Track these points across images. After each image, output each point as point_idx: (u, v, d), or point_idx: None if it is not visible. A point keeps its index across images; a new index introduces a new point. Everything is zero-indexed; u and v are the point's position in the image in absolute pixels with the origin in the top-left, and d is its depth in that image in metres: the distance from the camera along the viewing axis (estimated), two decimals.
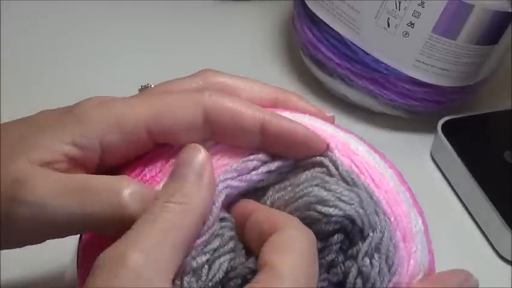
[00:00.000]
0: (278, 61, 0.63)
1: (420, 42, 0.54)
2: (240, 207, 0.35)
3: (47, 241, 0.35)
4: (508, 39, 0.56)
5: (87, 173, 0.35)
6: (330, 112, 0.39)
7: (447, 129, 0.57)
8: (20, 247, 0.35)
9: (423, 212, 0.37)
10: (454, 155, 0.55)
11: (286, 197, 0.35)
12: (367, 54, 0.56)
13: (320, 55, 0.58)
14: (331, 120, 0.39)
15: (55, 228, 0.33)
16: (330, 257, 0.34)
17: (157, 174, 0.35)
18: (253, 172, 0.35)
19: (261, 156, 0.36)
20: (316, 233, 0.34)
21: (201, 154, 0.33)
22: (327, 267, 0.35)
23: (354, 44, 0.56)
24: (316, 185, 0.35)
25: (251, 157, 0.35)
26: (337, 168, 0.35)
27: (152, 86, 0.39)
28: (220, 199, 0.34)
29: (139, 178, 0.35)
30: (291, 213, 0.35)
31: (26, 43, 0.62)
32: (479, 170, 0.54)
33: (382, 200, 0.36)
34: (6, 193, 0.33)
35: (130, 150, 0.35)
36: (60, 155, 0.34)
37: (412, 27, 0.54)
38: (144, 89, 0.40)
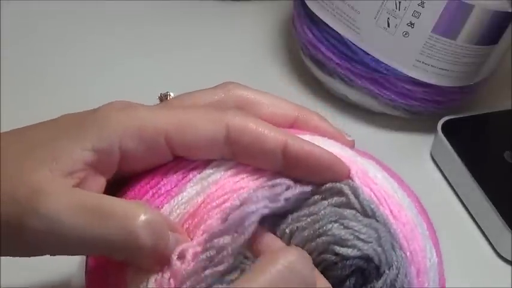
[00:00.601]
0: (278, 61, 0.63)
1: (420, 42, 0.54)
2: (263, 244, 0.34)
3: None
4: (508, 39, 0.56)
5: (105, 179, 0.35)
6: (350, 136, 0.39)
7: (447, 129, 0.57)
8: (26, 256, 0.35)
9: (439, 242, 0.37)
10: (454, 155, 0.55)
11: (306, 233, 0.34)
12: (367, 54, 0.56)
13: (320, 55, 0.58)
14: (351, 144, 0.38)
15: (64, 246, 0.33)
16: None
17: (172, 189, 0.35)
18: (279, 197, 0.34)
19: (286, 180, 0.35)
20: (331, 278, 0.34)
21: None
22: None
23: (354, 44, 0.56)
24: (335, 222, 0.34)
25: (278, 181, 0.35)
26: (357, 198, 0.35)
27: (171, 94, 0.39)
28: (251, 230, 0.33)
29: (154, 191, 0.35)
30: (309, 252, 0.34)
31: (26, 43, 0.62)
32: (479, 170, 0.54)
33: (399, 233, 0.35)
34: (23, 200, 0.33)
35: (149, 159, 0.35)
36: (81, 164, 0.34)
37: (412, 27, 0.54)
38: (163, 97, 0.39)
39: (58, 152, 0.34)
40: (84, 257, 0.37)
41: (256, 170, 0.35)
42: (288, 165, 0.35)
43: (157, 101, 0.39)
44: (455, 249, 0.53)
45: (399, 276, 0.34)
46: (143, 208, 0.33)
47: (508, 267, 0.52)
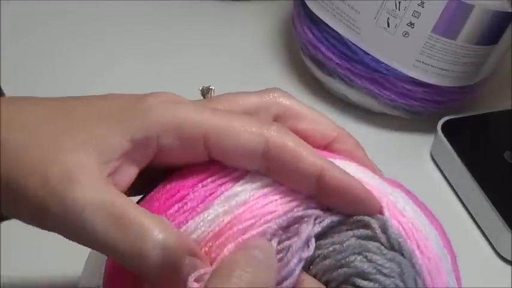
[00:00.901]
0: (278, 61, 0.63)
1: (420, 42, 0.54)
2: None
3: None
4: (508, 39, 0.56)
5: (138, 169, 0.34)
6: (380, 170, 0.38)
7: (447, 129, 0.57)
8: (45, 230, 0.35)
9: (460, 274, 0.37)
10: (454, 155, 0.55)
11: (327, 262, 0.34)
12: (367, 54, 0.56)
13: (320, 55, 0.58)
14: (379, 175, 0.38)
15: (79, 238, 0.33)
16: None
17: (198, 205, 0.34)
18: (311, 241, 0.34)
19: (316, 211, 0.34)
20: None
21: None
22: None
23: (354, 44, 0.56)
24: (359, 254, 0.34)
25: (309, 212, 0.34)
26: (385, 232, 0.34)
27: (213, 88, 0.39)
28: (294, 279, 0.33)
29: (180, 205, 0.34)
30: (329, 281, 0.34)
31: (26, 43, 0.62)
32: (479, 170, 0.54)
33: (424, 269, 0.34)
34: (53, 182, 0.32)
35: (185, 156, 0.35)
36: (118, 153, 0.33)
37: (412, 27, 0.54)
38: (205, 90, 0.39)
39: (97, 137, 0.33)
40: (94, 260, 0.37)
41: (287, 192, 0.34)
42: (321, 191, 0.34)
43: (198, 95, 0.39)
44: (456, 249, 0.53)
45: None
46: (162, 227, 0.32)
47: (508, 267, 0.52)
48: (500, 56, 0.58)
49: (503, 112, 0.59)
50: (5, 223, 0.39)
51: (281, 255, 0.33)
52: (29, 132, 0.34)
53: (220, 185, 0.34)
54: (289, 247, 0.33)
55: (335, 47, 0.57)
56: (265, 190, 0.34)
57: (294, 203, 0.34)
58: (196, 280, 0.32)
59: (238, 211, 0.33)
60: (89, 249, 0.36)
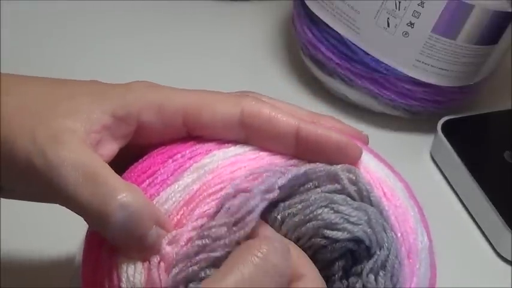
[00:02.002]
0: (278, 61, 0.63)
1: (420, 42, 0.54)
2: (255, 233, 0.34)
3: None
4: (508, 39, 0.56)
5: (118, 146, 0.36)
6: (364, 132, 0.40)
7: (447, 129, 0.57)
8: (19, 198, 0.38)
9: (429, 227, 0.37)
10: (454, 155, 0.55)
11: (296, 219, 0.35)
12: (367, 54, 0.56)
13: (320, 55, 0.58)
14: (365, 140, 0.39)
15: (55, 193, 0.34)
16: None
17: (168, 178, 0.35)
18: (274, 187, 0.35)
19: (278, 168, 0.35)
20: (320, 261, 0.34)
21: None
22: None
23: (354, 44, 0.56)
24: (326, 206, 0.35)
25: (271, 169, 0.35)
26: (355, 182, 0.35)
27: None
28: (251, 225, 0.33)
29: (151, 180, 0.35)
30: (299, 237, 0.35)
31: (26, 43, 0.62)
32: (479, 170, 0.54)
33: (391, 215, 0.36)
34: (40, 140, 0.34)
35: (165, 133, 0.37)
36: (98, 125, 0.35)
37: (412, 27, 0.54)
38: None
39: (82, 110, 0.35)
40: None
41: (255, 160, 0.36)
42: (301, 148, 0.36)
43: None
44: (456, 249, 0.53)
45: (390, 257, 0.34)
46: (131, 191, 0.33)
47: (508, 267, 0.52)
48: (500, 56, 0.58)
49: (503, 112, 0.59)
50: (3, 201, 0.40)
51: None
52: (24, 100, 0.36)
53: (190, 158, 0.36)
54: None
55: (335, 47, 0.57)
56: (233, 159, 0.36)
57: (260, 168, 0.35)
58: (171, 241, 0.33)
59: (206, 178, 0.35)
60: (87, 226, 0.37)
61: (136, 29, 0.64)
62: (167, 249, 0.33)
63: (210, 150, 0.36)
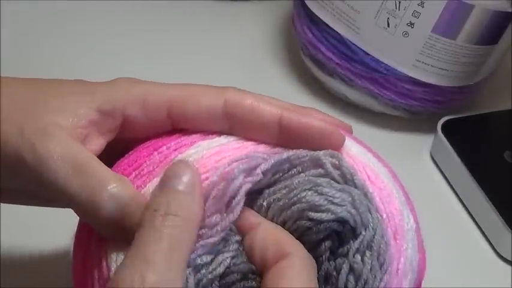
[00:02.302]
0: (278, 61, 0.63)
1: (420, 42, 0.54)
2: (242, 219, 0.35)
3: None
4: (508, 39, 0.56)
5: (105, 141, 0.37)
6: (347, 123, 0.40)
7: (447, 129, 0.57)
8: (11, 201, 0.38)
9: (415, 210, 0.38)
10: (454, 155, 0.55)
11: (281, 203, 0.35)
12: (367, 54, 0.56)
13: (320, 55, 0.58)
14: (348, 130, 0.39)
15: (44, 185, 0.35)
16: (323, 269, 0.35)
17: (154, 170, 0.36)
18: (256, 171, 0.35)
19: (260, 154, 0.36)
20: (307, 243, 0.35)
21: (191, 169, 0.34)
22: (323, 278, 0.35)
23: (354, 44, 0.56)
24: (309, 189, 0.35)
25: (253, 155, 0.36)
26: (338, 167, 0.36)
27: None
28: (239, 208, 0.34)
29: (137, 172, 0.36)
30: (285, 221, 0.35)
31: (26, 43, 0.62)
32: (479, 170, 0.54)
33: (375, 196, 0.36)
34: (28, 135, 0.35)
35: (150, 126, 0.37)
36: (85, 120, 0.36)
37: (412, 27, 0.54)
38: None
39: (68, 106, 0.36)
40: None
41: (239, 149, 0.36)
42: (285, 136, 0.36)
43: None
44: (456, 249, 0.53)
45: (376, 237, 0.34)
46: (120, 181, 0.34)
47: (508, 267, 0.52)
48: (500, 56, 0.58)
49: (503, 112, 0.59)
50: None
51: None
52: (12, 100, 0.37)
53: (175, 149, 0.36)
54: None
55: (335, 47, 0.57)
56: (218, 149, 0.36)
57: (244, 155, 0.36)
58: None
59: None
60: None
61: (137, 29, 0.64)
62: None
63: (195, 141, 0.36)
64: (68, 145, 0.35)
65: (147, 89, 0.37)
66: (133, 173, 0.36)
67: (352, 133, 0.39)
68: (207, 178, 0.35)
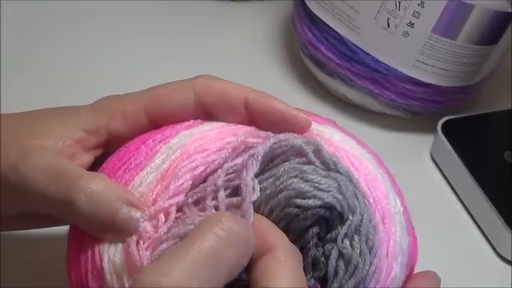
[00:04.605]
0: (278, 61, 0.63)
1: (420, 42, 0.54)
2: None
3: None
4: (508, 39, 0.56)
5: (93, 157, 0.39)
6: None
7: (447, 129, 0.57)
8: (13, 211, 0.39)
9: (402, 194, 0.38)
10: (454, 155, 0.55)
11: (268, 191, 0.35)
12: (367, 54, 0.56)
13: (320, 55, 0.58)
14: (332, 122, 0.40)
15: (27, 197, 0.36)
16: (310, 255, 0.35)
17: (141, 162, 0.37)
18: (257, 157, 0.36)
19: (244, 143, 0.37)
20: (294, 230, 0.35)
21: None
22: (311, 265, 0.35)
23: (353, 44, 0.56)
24: (296, 177, 0.35)
25: (249, 139, 0.37)
26: (318, 154, 0.36)
27: None
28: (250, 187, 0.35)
29: (126, 166, 0.37)
30: (272, 209, 0.35)
31: (26, 43, 0.62)
32: (479, 170, 0.54)
33: (361, 182, 0.36)
34: (12, 158, 0.37)
35: (134, 133, 0.39)
36: (71, 140, 0.38)
37: (412, 27, 0.54)
38: None
39: (53, 128, 0.38)
40: None
41: (219, 133, 0.37)
42: (251, 117, 0.38)
43: None
44: (456, 249, 0.53)
45: (363, 221, 0.35)
46: (93, 177, 0.35)
47: (508, 267, 0.52)
48: (500, 56, 0.58)
49: (503, 112, 0.59)
50: None
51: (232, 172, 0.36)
52: (5, 133, 0.38)
53: (161, 141, 0.37)
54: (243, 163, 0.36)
55: (335, 47, 0.57)
56: (200, 135, 0.37)
57: (225, 140, 0.37)
58: (148, 220, 0.34)
59: (175, 155, 0.36)
60: None
61: (137, 29, 0.64)
62: (145, 226, 0.34)
63: (179, 131, 0.38)
64: (47, 158, 0.36)
65: (124, 102, 0.39)
66: (122, 167, 0.37)
67: (334, 124, 0.40)
68: (191, 162, 0.36)
